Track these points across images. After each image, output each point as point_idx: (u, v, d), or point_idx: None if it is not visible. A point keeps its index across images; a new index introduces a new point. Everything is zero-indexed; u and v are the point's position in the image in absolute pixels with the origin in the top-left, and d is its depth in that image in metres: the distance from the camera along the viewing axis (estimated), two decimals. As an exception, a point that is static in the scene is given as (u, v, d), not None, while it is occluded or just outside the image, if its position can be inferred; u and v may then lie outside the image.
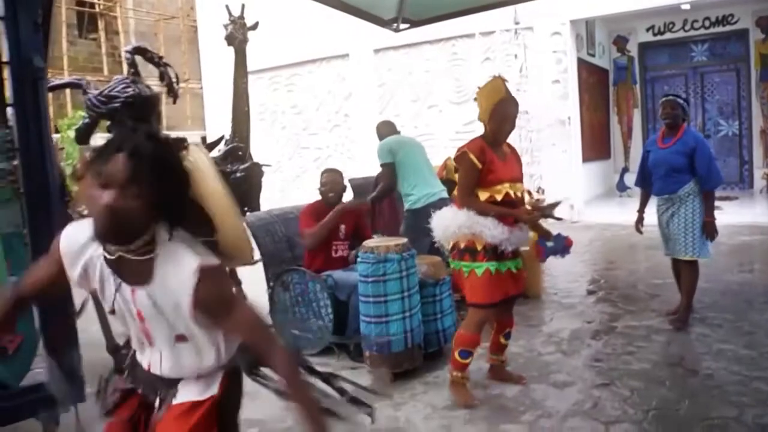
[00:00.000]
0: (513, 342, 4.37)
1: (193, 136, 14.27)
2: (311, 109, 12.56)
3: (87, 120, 4.90)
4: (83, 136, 4.96)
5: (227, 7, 5.20)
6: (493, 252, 3.38)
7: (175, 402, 1.72)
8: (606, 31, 12.50)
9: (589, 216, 10.29)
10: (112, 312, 1.63)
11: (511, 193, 3.42)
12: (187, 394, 1.73)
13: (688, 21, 11.78)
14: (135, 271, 1.53)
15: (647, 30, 12.28)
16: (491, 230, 3.32)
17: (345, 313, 4.29)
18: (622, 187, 12.53)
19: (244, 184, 4.68)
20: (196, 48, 17.90)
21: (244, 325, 1.62)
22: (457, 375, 3.54)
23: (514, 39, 10.43)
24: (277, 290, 4.61)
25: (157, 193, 1.44)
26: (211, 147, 4.58)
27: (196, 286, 1.51)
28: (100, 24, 18.35)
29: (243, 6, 5.31)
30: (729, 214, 9.20)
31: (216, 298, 1.54)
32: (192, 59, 16.67)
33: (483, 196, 3.40)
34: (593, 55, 11.78)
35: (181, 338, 1.64)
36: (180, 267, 1.52)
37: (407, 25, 6.22)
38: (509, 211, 3.38)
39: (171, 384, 1.75)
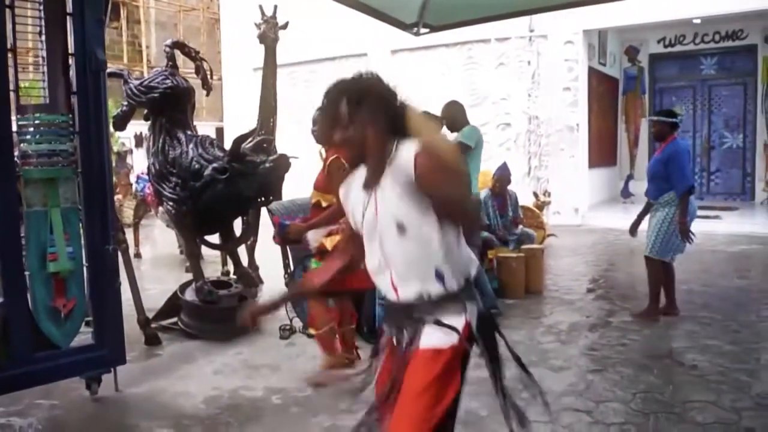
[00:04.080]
0: (514, 331, 4.74)
1: (207, 127, 14.32)
2: (329, 105, 12.85)
3: (125, 108, 5.20)
4: (120, 122, 5.28)
5: (260, 7, 5.51)
6: None
7: (421, 347, 1.84)
8: (618, 41, 12.81)
9: (593, 220, 10.63)
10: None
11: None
12: (429, 339, 1.84)
13: (698, 34, 12.10)
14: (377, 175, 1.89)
15: (658, 42, 12.61)
16: None
17: (360, 296, 4.63)
18: (626, 193, 12.84)
19: (272, 175, 5.00)
20: (213, 40, 18.27)
21: (446, 197, 1.77)
22: None
23: (528, 46, 10.76)
24: (298, 273, 4.94)
25: None
26: (243, 139, 4.90)
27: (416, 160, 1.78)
28: (123, 13, 18.72)
29: (275, 7, 5.63)
30: (729, 224, 9.57)
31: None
32: (210, 51, 17.04)
33: None
34: (604, 65, 12.09)
35: (401, 229, 1.82)
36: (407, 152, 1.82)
37: (427, 30, 6.50)
38: None
39: (414, 318, 1.87)
